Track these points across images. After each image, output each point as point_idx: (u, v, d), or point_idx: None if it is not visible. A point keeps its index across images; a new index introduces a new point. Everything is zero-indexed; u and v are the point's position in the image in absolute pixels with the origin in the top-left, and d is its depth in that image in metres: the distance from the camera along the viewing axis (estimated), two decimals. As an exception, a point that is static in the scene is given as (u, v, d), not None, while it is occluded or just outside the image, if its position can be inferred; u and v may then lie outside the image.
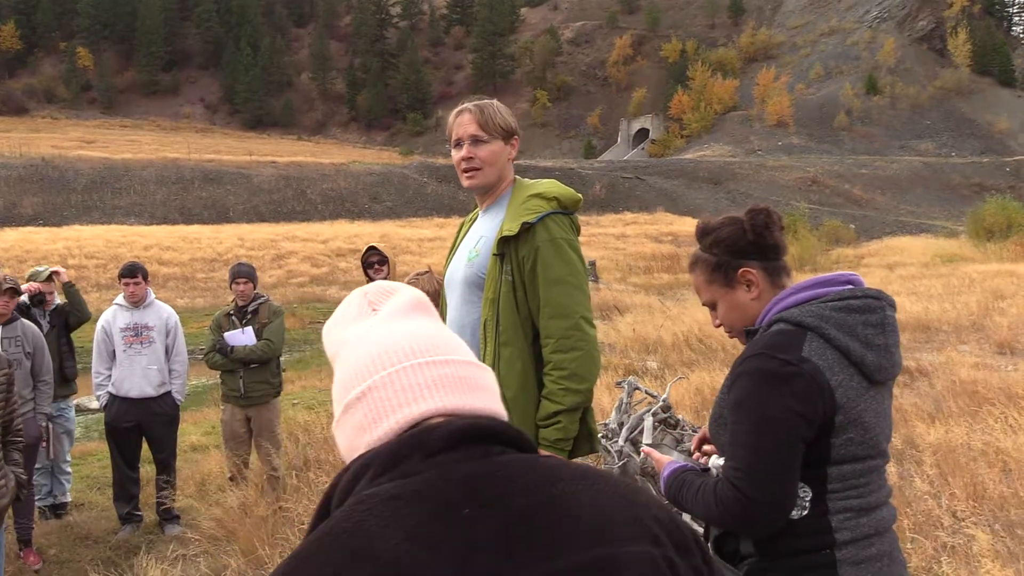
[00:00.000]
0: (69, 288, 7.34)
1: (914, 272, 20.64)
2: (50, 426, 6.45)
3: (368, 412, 1.05)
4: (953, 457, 5.49)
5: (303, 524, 5.60)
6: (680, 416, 5.94)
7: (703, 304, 2.25)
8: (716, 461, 2.10)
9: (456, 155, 2.88)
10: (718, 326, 2.25)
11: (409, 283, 5.03)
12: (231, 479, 6.95)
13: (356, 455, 1.05)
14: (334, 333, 1.18)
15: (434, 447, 0.99)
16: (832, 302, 2.02)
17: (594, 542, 0.94)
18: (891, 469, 2.84)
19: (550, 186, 2.87)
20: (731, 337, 2.25)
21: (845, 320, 1.99)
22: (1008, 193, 57.33)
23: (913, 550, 4.13)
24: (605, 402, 7.64)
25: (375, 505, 0.94)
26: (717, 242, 2.17)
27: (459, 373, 1.07)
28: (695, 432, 5.77)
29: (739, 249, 2.15)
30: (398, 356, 1.07)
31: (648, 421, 5.48)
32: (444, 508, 0.93)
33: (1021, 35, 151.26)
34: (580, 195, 2.93)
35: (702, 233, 2.23)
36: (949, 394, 7.46)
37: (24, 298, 6.87)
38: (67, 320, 7.29)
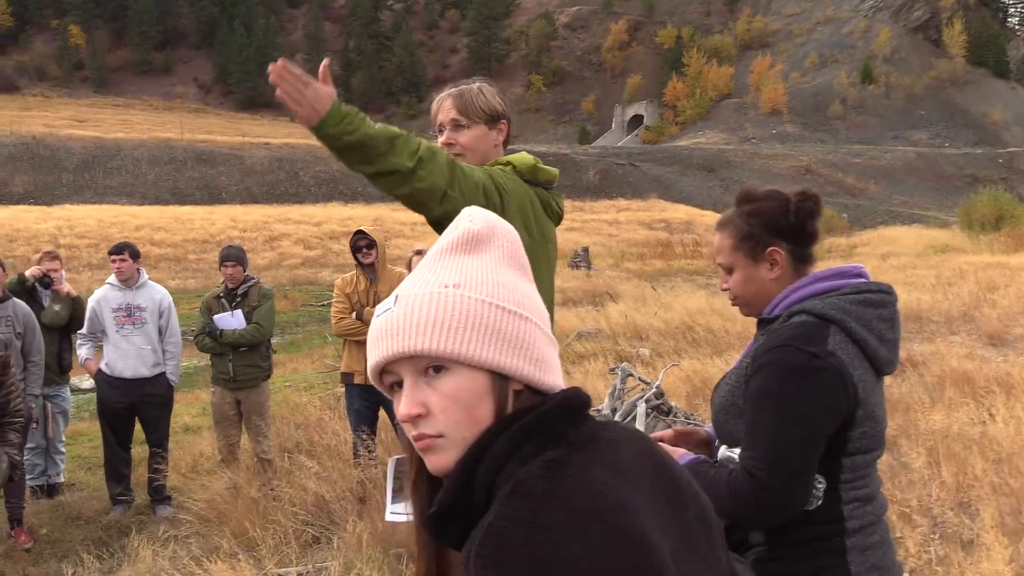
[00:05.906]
0: (77, 301, 7.30)
1: (906, 262, 20.68)
2: (48, 406, 6.41)
3: (533, 349, 1.09)
4: (945, 444, 5.52)
5: (294, 507, 5.60)
6: (672, 403, 5.95)
7: (718, 264, 2.18)
8: (725, 452, 2.06)
9: (439, 141, 2.78)
10: (725, 290, 2.20)
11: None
12: (222, 461, 6.94)
13: (493, 354, 1.06)
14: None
15: (579, 417, 1.08)
16: (850, 295, 2.00)
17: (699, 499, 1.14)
18: (884, 457, 2.84)
19: (511, 155, 2.70)
20: (734, 305, 2.19)
21: (863, 314, 1.97)
22: (1000, 185, 57.50)
23: (904, 536, 4.16)
24: (599, 388, 7.64)
25: (608, 478, 0.99)
26: (756, 213, 2.10)
27: None
28: (687, 419, 5.78)
29: (776, 227, 2.08)
30: (543, 315, 1.14)
31: (641, 408, 5.49)
32: (648, 485, 1.04)
33: (1016, 26, 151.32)
34: (545, 167, 2.68)
35: (744, 199, 2.13)
36: (940, 384, 7.49)
37: (31, 280, 6.96)
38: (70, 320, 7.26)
